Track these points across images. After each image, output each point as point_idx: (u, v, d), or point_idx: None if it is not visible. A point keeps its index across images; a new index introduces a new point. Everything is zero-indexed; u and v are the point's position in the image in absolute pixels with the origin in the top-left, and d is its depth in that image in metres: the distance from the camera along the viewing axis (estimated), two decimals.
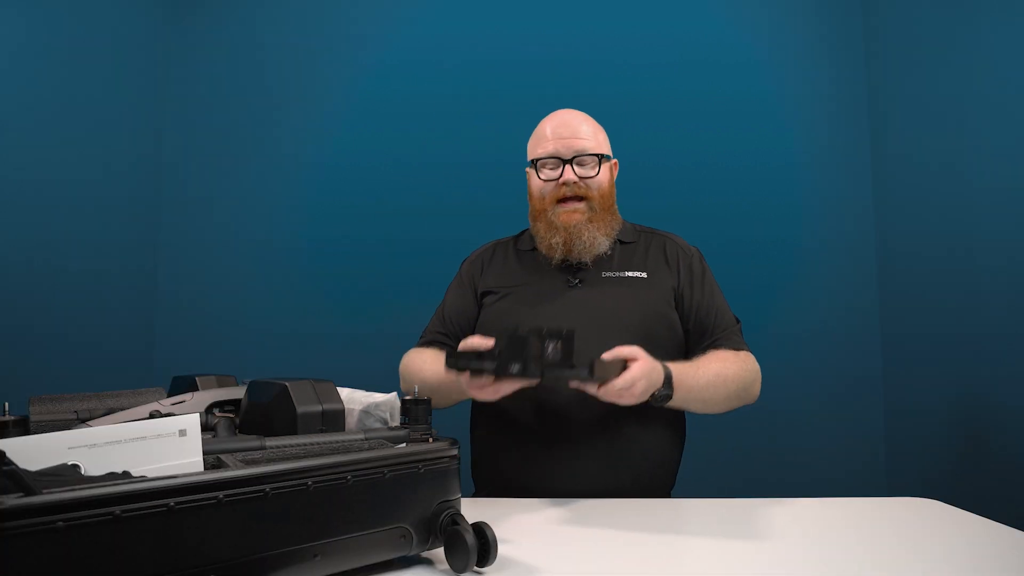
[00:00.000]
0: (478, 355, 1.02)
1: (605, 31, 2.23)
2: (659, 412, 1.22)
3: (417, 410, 0.83)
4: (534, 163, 1.34)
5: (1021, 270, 1.62)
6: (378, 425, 0.84)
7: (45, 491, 0.51)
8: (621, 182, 2.20)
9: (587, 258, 1.31)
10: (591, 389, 1.05)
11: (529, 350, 0.97)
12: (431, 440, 0.78)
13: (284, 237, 2.24)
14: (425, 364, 1.28)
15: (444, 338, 1.37)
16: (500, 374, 1.01)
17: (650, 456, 1.25)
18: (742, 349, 1.31)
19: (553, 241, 1.30)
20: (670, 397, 1.14)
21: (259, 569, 0.61)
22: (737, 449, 2.11)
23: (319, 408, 0.79)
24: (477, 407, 1.35)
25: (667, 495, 1.31)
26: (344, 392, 0.87)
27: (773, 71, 2.22)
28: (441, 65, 2.24)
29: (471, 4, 2.26)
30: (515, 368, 0.98)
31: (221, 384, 0.91)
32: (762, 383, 2.10)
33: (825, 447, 2.11)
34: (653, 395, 1.12)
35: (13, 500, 0.49)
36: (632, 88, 2.21)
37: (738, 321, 1.36)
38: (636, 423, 1.22)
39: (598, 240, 1.30)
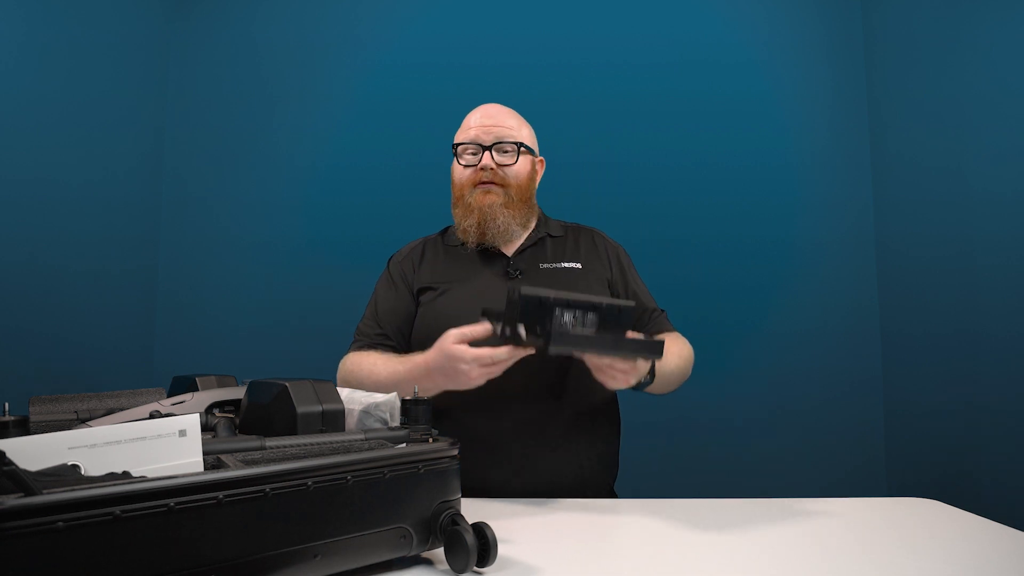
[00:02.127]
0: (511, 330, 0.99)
1: (605, 31, 2.24)
2: (596, 406, 1.25)
3: (417, 410, 0.83)
4: (455, 149, 1.35)
5: (1021, 270, 1.62)
6: (378, 425, 0.84)
7: (45, 491, 0.51)
8: (621, 181, 2.21)
9: (500, 243, 1.32)
10: (596, 361, 1.04)
11: (553, 321, 0.95)
12: (431, 440, 0.78)
13: (284, 237, 2.24)
14: (376, 366, 1.22)
15: (383, 339, 1.31)
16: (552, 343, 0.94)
17: (594, 450, 1.26)
18: (675, 331, 1.37)
19: (467, 224, 1.30)
20: (651, 383, 1.17)
21: (259, 569, 0.61)
22: (737, 449, 2.11)
23: (319, 408, 0.79)
24: None
25: (611, 487, 1.32)
26: (344, 392, 0.87)
27: (773, 71, 2.22)
28: (441, 65, 2.24)
29: (471, 5, 2.26)
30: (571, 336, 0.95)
31: (221, 384, 0.91)
32: (762, 383, 2.13)
33: (825, 447, 2.11)
34: (639, 381, 1.14)
35: (13, 500, 0.49)
36: (632, 88, 2.21)
37: (662, 310, 1.40)
38: (579, 416, 1.23)
39: (511, 227, 1.31)
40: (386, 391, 1.15)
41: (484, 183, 1.30)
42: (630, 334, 1.04)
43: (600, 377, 1.07)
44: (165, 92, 2.29)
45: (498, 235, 1.31)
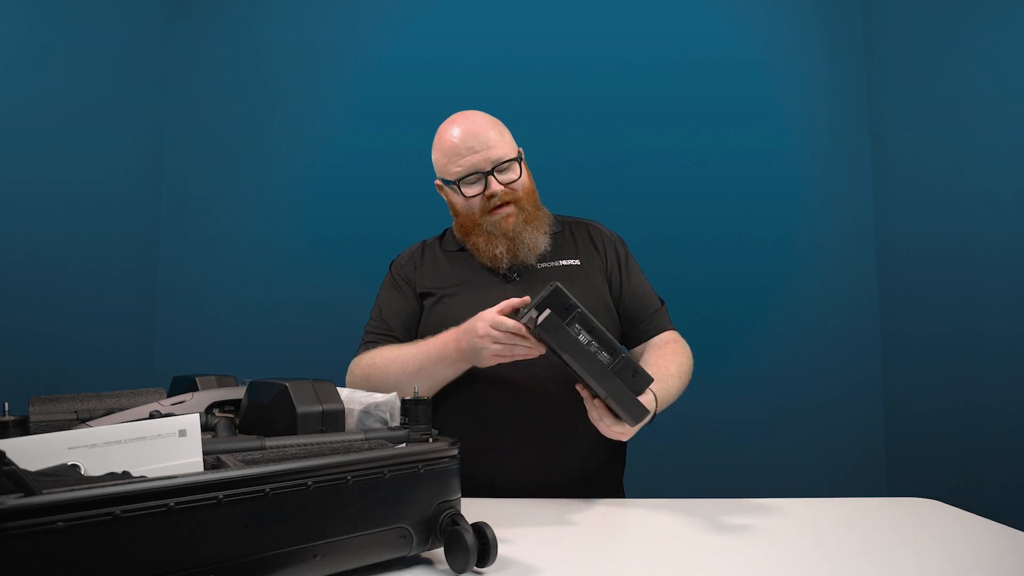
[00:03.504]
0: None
1: (605, 31, 2.24)
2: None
3: (417, 410, 0.83)
4: (455, 182, 1.30)
5: (1021, 270, 1.62)
6: (378, 425, 0.84)
7: (45, 491, 0.51)
8: (621, 181, 2.21)
9: (532, 260, 1.31)
10: (589, 404, 1.06)
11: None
12: (431, 440, 0.78)
13: (284, 237, 2.24)
14: (401, 347, 1.24)
15: (393, 339, 1.31)
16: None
17: (600, 450, 1.26)
18: (672, 329, 1.36)
19: (497, 252, 1.28)
20: (650, 423, 1.15)
21: (259, 569, 0.61)
22: (737, 449, 2.11)
23: (319, 408, 0.79)
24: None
25: (620, 486, 1.32)
26: (344, 392, 0.87)
27: (773, 71, 2.22)
28: (441, 66, 2.24)
29: (471, 5, 2.26)
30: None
31: (221, 384, 0.91)
32: (762, 383, 2.13)
33: (825, 447, 2.11)
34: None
35: (13, 500, 0.49)
36: (632, 88, 2.21)
37: (663, 302, 1.39)
38: (583, 411, 1.23)
39: (538, 240, 1.30)
40: (411, 374, 1.18)
41: (497, 208, 1.29)
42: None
43: (592, 419, 1.07)
44: (165, 92, 2.28)
45: (529, 252, 1.30)
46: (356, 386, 1.27)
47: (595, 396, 1.05)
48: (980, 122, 1.76)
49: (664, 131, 2.19)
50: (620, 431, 1.05)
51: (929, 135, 1.94)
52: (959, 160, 1.83)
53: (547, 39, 2.24)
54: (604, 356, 1.00)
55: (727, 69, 2.21)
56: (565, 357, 0.99)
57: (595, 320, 1.00)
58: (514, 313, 1.09)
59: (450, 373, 1.18)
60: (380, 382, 1.22)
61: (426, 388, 1.20)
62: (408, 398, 0.84)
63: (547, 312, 0.97)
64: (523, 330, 1.04)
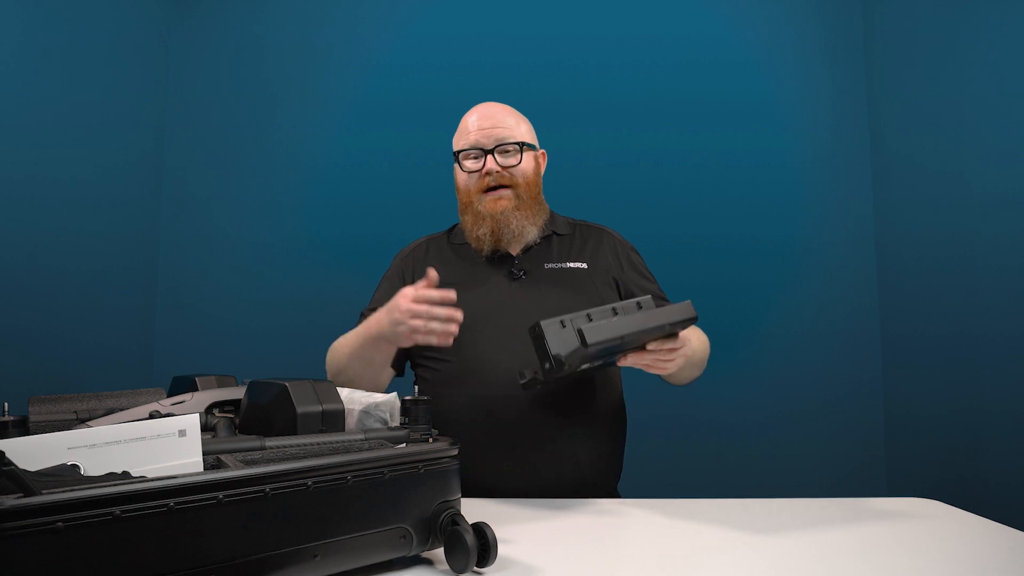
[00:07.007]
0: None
1: (605, 31, 2.24)
2: (602, 406, 1.24)
3: (417, 410, 0.83)
4: (457, 156, 1.34)
5: (1021, 270, 1.62)
6: (378, 425, 0.84)
7: (45, 491, 0.51)
8: (621, 182, 2.21)
9: (516, 248, 1.31)
10: (638, 358, 1.05)
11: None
12: (431, 440, 0.78)
13: (284, 237, 2.24)
14: (343, 339, 1.26)
15: None
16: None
17: (597, 450, 1.26)
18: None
19: (480, 232, 1.29)
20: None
21: (259, 569, 0.61)
22: (737, 449, 2.11)
23: (319, 408, 0.79)
24: None
25: (613, 488, 1.32)
26: (344, 392, 0.87)
27: (773, 71, 2.22)
28: (442, 66, 2.24)
29: (472, 5, 2.26)
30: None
31: (221, 384, 0.91)
32: (763, 383, 2.13)
33: (825, 447, 2.11)
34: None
35: (13, 500, 0.49)
36: (632, 88, 2.21)
37: None
38: (583, 416, 1.23)
39: (526, 228, 1.30)
40: (349, 349, 1.20)
41: (492, 189, 1.30)
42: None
43: (654, 368, 1.07)
44: (165, 92, 2.29)
45: (513, 240, 1.30)
46: (330, 375, 1.30)
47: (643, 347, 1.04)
48: (980, 122, 1.76)
49: (664, 131, 2.19)
50: (683, 351, 1.05)
51: (929, 135, 1.94)
52: (959, 161, 1.82)
53: (547, 39, 2.24)
54: (632, 306, 1.01)
55: (727, 69, 2.21)
56: (623, 349, 0.99)
57: (581, 312, 1.00)
58: (530, 382, 1.08)
59: (376, 355, 1.18)
60: (336, 368, 1.26)
61: (364, 370, 1.21)
62: (408, 398, 0.84)
63: (576, 346, 0.96)
64: (448, 296, 1.04)
